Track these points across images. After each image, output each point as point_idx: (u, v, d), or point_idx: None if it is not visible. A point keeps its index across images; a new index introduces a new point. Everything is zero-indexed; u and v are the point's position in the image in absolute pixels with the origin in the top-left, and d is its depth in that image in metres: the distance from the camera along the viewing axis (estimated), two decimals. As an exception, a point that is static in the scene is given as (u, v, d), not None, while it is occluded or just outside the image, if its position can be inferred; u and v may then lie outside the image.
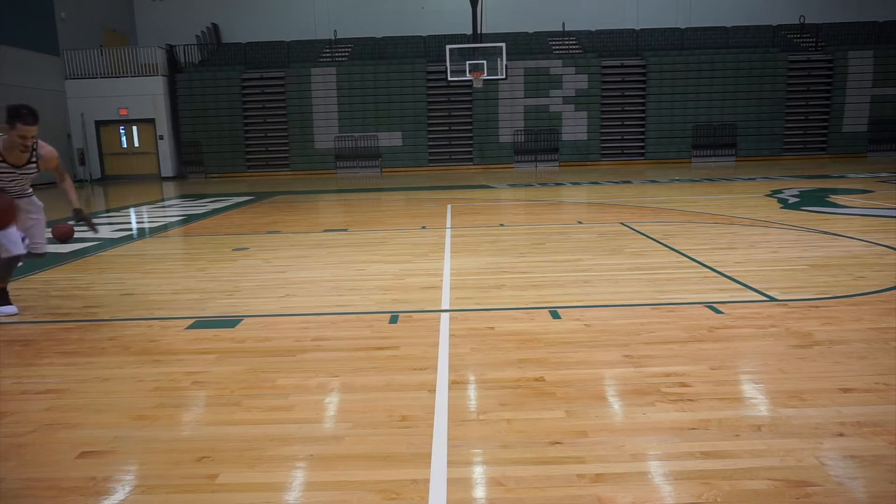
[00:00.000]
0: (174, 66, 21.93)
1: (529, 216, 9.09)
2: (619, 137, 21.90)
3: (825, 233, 6.55)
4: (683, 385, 2.73)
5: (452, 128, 21.91)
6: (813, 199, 9.72)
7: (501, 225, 8.01)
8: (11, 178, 4.02)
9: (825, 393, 2.62)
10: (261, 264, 5.81)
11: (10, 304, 4.29)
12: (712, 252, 5.68)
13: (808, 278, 4.63)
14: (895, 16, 22.83)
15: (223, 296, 4.64)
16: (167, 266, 6.08)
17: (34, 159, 4.03)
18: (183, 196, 14.34)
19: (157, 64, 21.20)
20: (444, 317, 3.90)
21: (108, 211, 11.68)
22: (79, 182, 20.24)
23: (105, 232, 8.58)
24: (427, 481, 2.03)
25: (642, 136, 21.82)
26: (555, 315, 3.86)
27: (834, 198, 9.90)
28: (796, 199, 9.73)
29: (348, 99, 21.47)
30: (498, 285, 4.70)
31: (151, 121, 21.18)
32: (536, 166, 21.31)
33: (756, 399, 2.62)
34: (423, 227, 7.82)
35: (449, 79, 18.66)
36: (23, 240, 4.12)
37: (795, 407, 2.50)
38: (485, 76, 18.31)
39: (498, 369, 3.00)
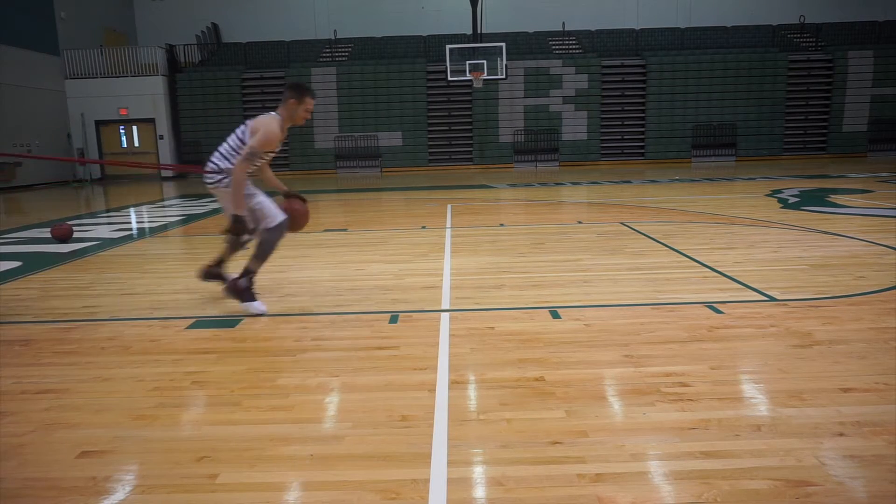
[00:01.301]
0: (174, 66, 21.94)
1: (529, 216, 9.09)
2: (619, 137, 21.91)
3: (825, 233, 6.55)
4: (683, 385, 2.73)
5: (452, 128, 21.91)
6: (813, 199, 9.72)
7: (501, 225, 8.01)
8: (264, 161, 4.02)
9: (825, 393, 2.62)
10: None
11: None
12: (712, 252, 5.68)
13: (808, 278, 4.63)
14: (895, 16, 22.83)
15: (223, 295, 4.63)
16: (167, 266, 6.08)
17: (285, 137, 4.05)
18: (183, 196, 14.34)
19: (157, 64, 21.21)
20: (444, 317, 3.90)
21: (108, 211, 11.68)
22: (78, 182, 20.24)
23: (105, 232, 8.59)
24: (427, 481, 2.03)
25: (642, 136, 21.82)
26: (555, 315, 3.86)
27: (834, 198, 9.90)
28: (796, 199, 9.73)
29: (348, 99, 21.48)
30: (498, 285, 4.69)
31: (151, 121, 21.19)
32: (536, 166, 21.32)
33: (756, 399, 2.62)
34: (423, 227, 7.82)
35: (449, 79, 18.66)
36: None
37: (795, 407, 2.50)
38: (485, 76, 18.31)
39: (498, 369, 3.00)
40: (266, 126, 3.78)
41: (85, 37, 21.10)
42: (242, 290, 4.03)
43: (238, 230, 3.92)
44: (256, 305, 4.03)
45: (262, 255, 4.03)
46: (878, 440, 2.21)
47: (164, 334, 3.71)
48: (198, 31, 23.61)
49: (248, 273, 4.04)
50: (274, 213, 3.97)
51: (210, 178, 3.98)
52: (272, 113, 3.89)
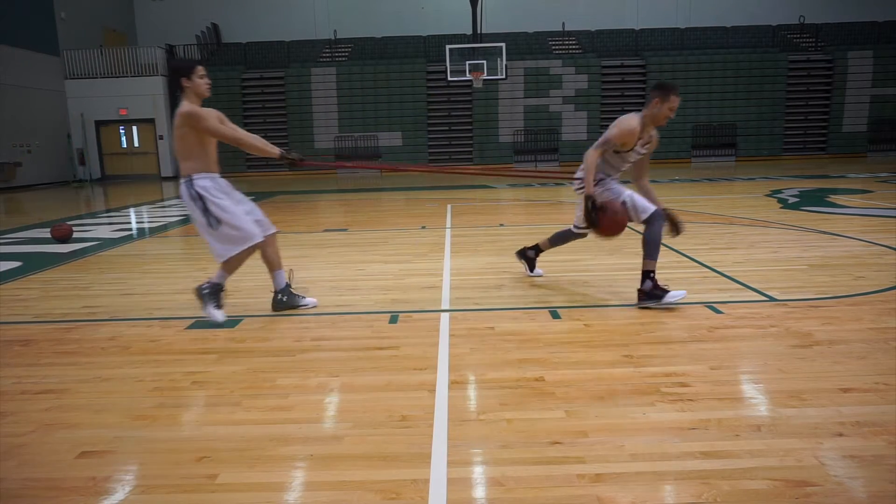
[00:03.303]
0: (174, 66, 21.91)
1: (529, 216, 9.09)
2: (619, 137, 21.86)
3: (825, 233, 6.55)
4: (683, 385, 2.73)
5: (452, 128, 21.90)
6: (813, 199, 9.72)
7: (501, 225, 8.01)
8: (622, 165, 4.13)
9: (825, 393, 2.62)
10: (261, 264, 5.80)
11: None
12: (712, 252, 5.67)
13: (808, 278, 4.63)
14: (895, 16, 22.83)
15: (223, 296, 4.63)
16: (167, 266, 6.08)
17: (649, 140, 4.06)
18: (183, 196, 14.31)
19: (156, 64, 21.20)
20: (444, 317, 3.90)
21: (108, 211, 11.68)
22: (78, 182, 20.24)
23: (105, 232, 8.59)
24: (427, 481, 2.03)
25: (642, 136, 21.78)
26: (555, 315, 3.86)
27: (833, 198, 9.90)
28: (796, 199, 9.73)
29: (348, 99, 21.47)
30: (498, 285, 4.69)
31: (151, 121, 21.19)
32: (536, 166, 21.31)
33: (756, 399, 2.62)
34: (423, 227, 7.82)
35: (449, 79, 18.66)
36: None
37: (795, 407, 2.50)
38: (485, 76, 18.32)
39: (498, 369, 3.00)
40: (623, 120, 3.87)
41: (85, 37, 21.10)
42: (651, 290, 3.95)
43: (590, 220, 3.93)
44: (673, 294, 3.91)
45: (650, 251, 3.96)
46: (878, 440, 2.21)
47: (164, 334, 3.71)
48: (198, 31, 23.60)
49: (648, 275, 3.96)
50: (646, 205, 3.95)
51: (577, 185, 4.15)
52: (637, 112, 3.93)
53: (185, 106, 3.68)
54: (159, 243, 7.63)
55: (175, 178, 21.33)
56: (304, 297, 4.19)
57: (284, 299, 4.11)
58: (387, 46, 23.25)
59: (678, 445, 2.21)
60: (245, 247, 3.84)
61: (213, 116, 3.75)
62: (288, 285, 4.15)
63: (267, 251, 4.05)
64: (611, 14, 24.02)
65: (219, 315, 3.89)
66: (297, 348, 3.39)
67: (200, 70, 3.76)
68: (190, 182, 3.75)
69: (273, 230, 4.08)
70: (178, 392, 2.84)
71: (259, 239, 3.88)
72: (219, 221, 3.75)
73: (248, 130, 3.93)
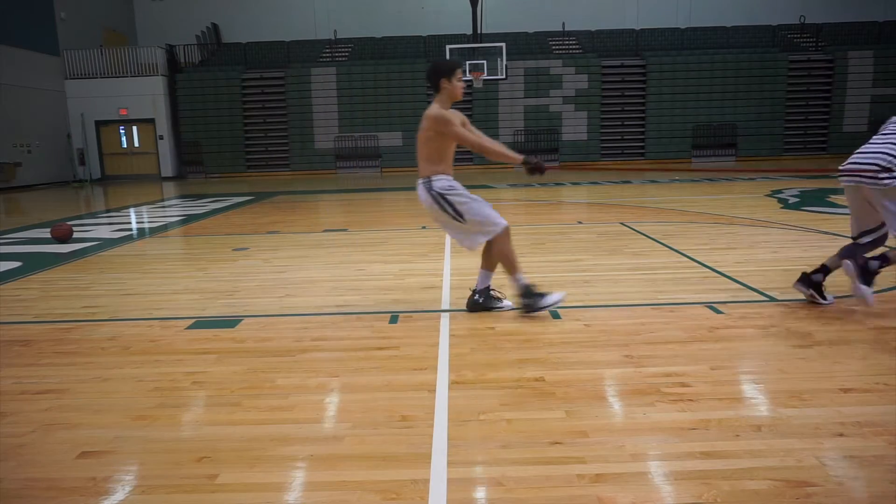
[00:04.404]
0: (174, 66, 21.94)
1: (529, 216, 9.09)
2: (619, 137, 21.91)
3: (825, 233, 6.54)
4: (683, 385, 2.73)
5: (452, 128, 21.87)
6: (813, 199, 9.72)
7: (501, 225, 8.00)
8: None
9: (825, 393, 2.62)
10: (261, 264, 5.81)
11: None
12: (712, 252, 5.67)
13: (808, 278, 4.62)
14: (895, 16, 22.83)
15: (223, 296, 4.63)
16: (167, 266, 6.08)
17: None
18: (183, 196, 14.34)
19: (157, 64, 21.21)
20: (444, 317, 3.90)
21: (108, 211, 11.68)
22: (78, 182, 20.24)
23: (105, 232, 8.59)
24: (427, 481, 2.03)
25: (642, 136, 21.82)
26: (555, 315, 3.86)
27: (834, 198, 9.88)
28: (796, 199, 9.73)
29: (348, 99, 21.47)
30: (498, 285, 4.68)
31: (151, 121, 21.19)
32: (536, 166, 21.28)
33: (756, 399, 2.62)
34: (423, 227, 7.81)
35: (449, 79, 18.62)
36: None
37: (795, 407, 2.49)
38: (485, 76, 18.32)
39: (498, 369, 2.99)
40: None
41: (85, 37, 21.11)
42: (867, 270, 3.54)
43: None
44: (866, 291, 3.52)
45: None
46: (878, 440, 2.21)
47: (164, 334, 3.71)
48: (198, 31, 23.61)
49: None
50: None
51: (873, 179, 3.51)
52: None
53: (435, 109, 3.69)
54: (159, 243, 7.63)
55: (175, 178, 21.35)
56: (502, 300, 4.05)
57: (481, 300, 4.00)
58: (387, 46, 23.25)
59: (678, 445, 2.21)
60: (496, 231, 3.80)
61: (458, 120, 3.75)
62: (488, 288, 4.02)
63: (495, 247, 3.93)
64: (611, 14, 24.02)
65: (555, 297, 3.86)
66: (297, 348, 3.39)
67: (460, 72, 3.73)
68: (429, 183, 3.80)
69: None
70: (178, 392, 2.84)
71: (505, 224, 3.84)
72: (462, 215, 3.79)
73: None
